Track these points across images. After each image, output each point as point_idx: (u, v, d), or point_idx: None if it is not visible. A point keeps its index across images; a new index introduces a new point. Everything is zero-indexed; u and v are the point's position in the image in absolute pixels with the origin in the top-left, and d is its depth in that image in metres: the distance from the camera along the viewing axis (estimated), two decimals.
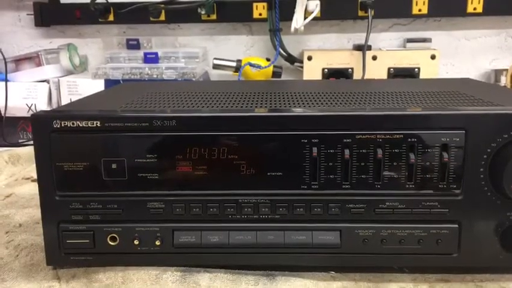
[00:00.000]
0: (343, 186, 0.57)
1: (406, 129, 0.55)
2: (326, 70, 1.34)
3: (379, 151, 0.55)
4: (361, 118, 0.56)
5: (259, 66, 1.35)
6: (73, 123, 0.57)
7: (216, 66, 1.39)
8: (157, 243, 0.59)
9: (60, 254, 0.60)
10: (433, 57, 1.32)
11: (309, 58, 1.35)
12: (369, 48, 1.34)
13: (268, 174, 0.57)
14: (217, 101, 0.66)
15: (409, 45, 1.39)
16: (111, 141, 0.57)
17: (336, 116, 0.56)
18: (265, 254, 0.59)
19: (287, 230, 0.58)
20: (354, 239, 0.58)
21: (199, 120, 0.57)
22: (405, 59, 1.32)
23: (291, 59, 1.42)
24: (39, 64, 1.38)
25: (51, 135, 0.57)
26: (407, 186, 0.56)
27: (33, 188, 0.94)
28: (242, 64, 1.36)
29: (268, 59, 1.40)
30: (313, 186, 0.57)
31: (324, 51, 1.42)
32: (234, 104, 0.64)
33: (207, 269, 0.60)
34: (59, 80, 1.34)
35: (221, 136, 0.57)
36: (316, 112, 0.57)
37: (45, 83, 1.34)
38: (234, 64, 1.37)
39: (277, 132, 0.56)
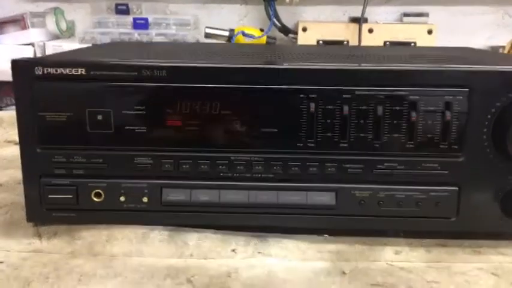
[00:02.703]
0: (341, 145, 0.54)
1: (409, 85, 0.53)
2: (321, 42, 1.31)
3: (380, 108, 0.53)
4: (362, 72, 0.53)
5: (252, 36, 1.31)
6: (56, 70, 0.53)
7: (208, 35, 1.35)
8: (145, 200, 0.56)
9: (41, 210, 0.57)
10: (429, 31, 1.30)
11: (304, 29, 1.32)
12: (365, 21, 1.32)
13: (263, 130, 0.55)
14: (211, 57, 0.63)
15: (405, 19, 1.37)
16: (97, 91, 0.54)
17: (336, 69, 0.53)
18: (257, 215, 0.57)
19: (281, 189, 0.56)
20: (350, 200, 0.56)
21: (191, 70, 0.54)
22: (402, 33, 1.30)
23: (285, 30, 1.39)
24: (24, 27, 1.34)
25: (32, 83, 0.53)
26: (407, 146, 0.54)
27: (15, 151, 0.90)
28: (235, 33, 1.32)
29: (261, 30, 1.36)
30: (309, 145, 0.54)
31: (319, 22, 1.39)
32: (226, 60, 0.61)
33: (196, 229, 0.58)
34: (44, 44, 1.30)
35: (214, 89, 0.54)
36: (315, 65, 0.54)
37: (30, 46, 1.29)
38: (226, 33, 1.34)
39: (273, 86, 0.54)
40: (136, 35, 1.28)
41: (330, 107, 0.53)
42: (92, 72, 0.53)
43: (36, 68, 0.53)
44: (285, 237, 0.58)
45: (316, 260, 0.54)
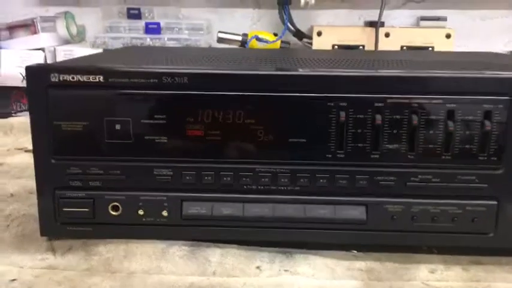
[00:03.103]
0: (372, 156, 0.51)
1: (446, 93, 0.50)
2: (336, 47, 1.28)
3: (415, 117, 0.50)
4: (395, 80, 0.50)
5: (266, 41, 1.29)
6: (73, 78, 0.51)
7: (220, 40, 1.32)
8: (164, 214, 0.54)
9: (55, 223, 0.54)
10: (448, 36, 1.26)
11: (319, 34, 1.29)
12: (382, 25, 1.28)
13: (290, 141, 0.52)
14: (232, 63, 0.60)
15: (422, 23, 1.33)
16: (115, 99, 0.51)
17: (367, 76, 0.50)
18: (282, 229, 0.54)
19: (308, 203, 0.53)
20: (382, 215, 0.53)
21: (214, 77, 0.51)
22: (419, 37, 1.26)
23: (299, 34, 1.36)
24: (34, 32, 1.32)
25: (48, 90, 0.51)
26: (443, 157, 0.51)
27: (26, 159, 0.88)
28: (248, 38, 1.29)
29: (275, 34, 1.33)
30: (338, 156, 0.51)
31: (334, 27, 1.35)
32: (250, 66, 0.58)
33: (218, 244, 0.55)
34: (55, 49, 1.27)
35: (238, 97, 0.51)
36: (345, 72, 0.51)
37: (40, 52, 1.27)
38: (239, 38, 1.31)
39: (301, 94, 0.51)
40: (148, 40, 1.25)
41: (361, 116, 0.50)
42: (110, 80, 0.50)
43: (52, 74, 0.50)
44: (312, 253, 0.55)
45: (347, 279, 0.51)
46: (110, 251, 0.54)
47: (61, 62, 0.60)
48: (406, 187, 0.52)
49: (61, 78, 0.51)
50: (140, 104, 0.51)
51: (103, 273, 0.51)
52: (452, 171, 0.51)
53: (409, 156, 0.51)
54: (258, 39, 1.28)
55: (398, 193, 0.52)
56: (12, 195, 0.71)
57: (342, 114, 0.50)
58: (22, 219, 0.61)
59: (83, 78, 0.50)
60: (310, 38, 1.33)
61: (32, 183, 0.55)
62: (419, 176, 0.52)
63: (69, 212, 0.53)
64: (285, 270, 0.52)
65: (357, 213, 0.53)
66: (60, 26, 1.35)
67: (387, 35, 1.27)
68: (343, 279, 0.51)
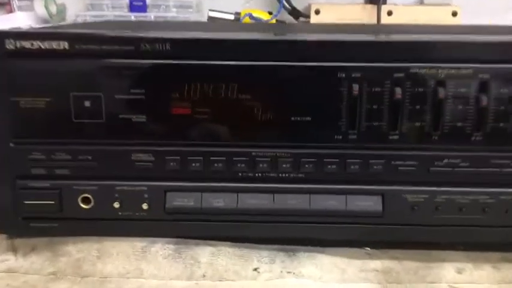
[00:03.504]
0: (390, 137, 0.43)
1: (477, 61, 0.42)
2: None
3: (441, 90, 0.42)
4: (419, 45, 0.42)
5: (260, 20, 1.20)
6: (32, 44, 0.42)
7: (211, 19, 1.23)
8: (144, 206, 0.46)
9: (16, 218, 0.46)
10: (454, 14, 1.18)
11: (317, 12, 1.21)
12: (384, 2, 1.20)
13: (292, 119, 0.44)
14: (224, 31, 0.52)
15: (427, 0, 1.25)
16: (84, 70, 0.43)
17: (386, 42, 0.42)
18: (284, 224, 0.46)
19: (314, 192, 0.45)
20: (401, 205, 0.45)
21: (202, 44, 0.43)
22: (423, 15, 1.18)
23: (295, 13, 1.27)
24: (10, 11, 1.23)
25: (3, 60, 0.42)
26: (473, 138, 0.43)
27: None
28: (241, 16, 1.21)
29: (270, 13, 1.25)
30: (350, 136, 0.44)
31: (333, 4, 1.27)
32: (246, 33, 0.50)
33: (208, 242, 0.47)
34: None
35: (231, 67, 0.43)
36: (359, 37, 0.43)
37: None
38: (232, 17, 1.22)
39: (306, 63, 0.43)
40: (133, 18, 1.16)
41: (377, 88, 0.42)
42: (77, 47, 0.42)
43: (7, 40, 0.42)
44: (318, 251, 0.47)
45: (360, 282, 0.43)
46: (80, 250, 0.46)
47: (20, 28, 0.52)
48: (429, 173, 0.44)
49: (18, 45, 0.42)
50: (113, 77, 0.43)
51: (72, 278, 0.43)
52: (484, 154, 0.44)
53: (433, 136, 0.43)
54: (252, 17, 1.20)
55: (419, 180, 0.45)
56: None
57: (355, 87, 0.42)
58: None
59: (45, 45, 0.42)
60: (308, 16, 1.25)
61: None
62: (445, 160, 0.44)
63: (31, 205, 0.45)
64: (288, 272, 0.44)
65: (371, 204, 0.45)
66: (38, 5, 1.25)
67: (390, 13, 1.19)
68: (356, 282, 0.43)
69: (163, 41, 0.42)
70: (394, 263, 0.46)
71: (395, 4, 1.26)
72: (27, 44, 0.42)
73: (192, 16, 1.19)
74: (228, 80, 0.43)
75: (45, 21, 1.27)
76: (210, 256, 0.45)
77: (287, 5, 1.26)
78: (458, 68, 0.42)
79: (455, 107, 0.42)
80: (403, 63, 0.42)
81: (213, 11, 1.24)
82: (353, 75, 0.42)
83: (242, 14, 1.21)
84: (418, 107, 0.43)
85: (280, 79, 0.43)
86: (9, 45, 0.42)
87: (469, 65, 0.42)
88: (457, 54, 0.42)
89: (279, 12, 1.22)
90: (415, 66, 0.42)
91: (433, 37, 0.43)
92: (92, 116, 0.43)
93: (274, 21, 1.23)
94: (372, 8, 1.20)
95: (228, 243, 0.47)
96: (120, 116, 0.44)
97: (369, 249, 0.48)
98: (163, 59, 0.43)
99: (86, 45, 0.42)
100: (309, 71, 0.43)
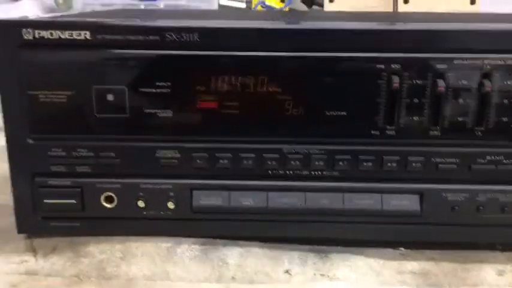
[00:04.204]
0: (431, 133, 0.41)
1: None
2: None
3: (487, 83, 0.39)
4: (463, 35, 0.39)
5: (272, 8, 1.18)
6: (51, 34, 0.40)
7: (222, 7, 1.21)
8: (170, 205, 0.44)
9: (36, 218, 0.44)
10: (472, 2, 1.16)
11: (331, 0, 1.18)
12: None
13: (327, 114, 0.41)
14: (250, 19, 0.49)
15: None
16: (106, 62, 0.41)
17: (428, 31, 0.40)
18: (316, 223, 0.44)
19: (348, 191, 0.43)
20: (440, 205, 0.43)
21: (232, 33, 0.40)
22: (441, 4, 1.15)
23: (309, 1, 1.25)
24: None
25: (20, 52, 0.40)
26: None
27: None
28: (253, 5, 1.19)
29: (282, 1, 1.22)
30: (388, 132, 0.41)
31: None
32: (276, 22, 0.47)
33: (236, 242, 0.45)
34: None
35: (261, 58, 0.40)
36: (398, 25, 0.40)
37: None
38: (243, 5, 1.21)
39: (342, 54, 0.40)
40: (143, 7, 1.14)
41: (418, 81, 0.40)
42: (99, 36, 0.40)
43: (25, 30, 0.40)
44: (351, 251, 0.45)
45: (398, 285, 0.41)
46: (103, 251, 0.44)
47: (38, 17, 0.49)
48: (470, 171, 0.42)
49: (36, 35, 0.40)
50: (138, 68, 0.41)
51: (96, 280, 0.41)
52: None
53: (476, 132, 0.41)
54: (264, 5, 1.17)
55: (461, 178, 0.43)
56: None
57: (395, 79, 0.40)
58: None
59: (65, 34, 0.40)
60: (321, 5, 1.22)
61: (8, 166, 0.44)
62: (488, 157, 0.42)
63: (51, 204, 0.43)
64: (321, 275, 0.42)
65: (409, 203, 0.43)
66: None
67: (406, 1, 1.17)
68: (394, 285, 0.41)
69: (191, 30, 0.40)
70: (430, 265, 0.43)
71: None
72: (46, 34, 0.40)
73: (202, 5, 1.17)
74: (257, 72, 0.41)
75: (52, 9, 1.25)
76: (238, 257, 0.43)
77: None
78: (505, 59, 0.39)
79: (501, 100, 0.40)
80: (447, 54, 0.39)
81: None
82: (392, 66, 0.40)
83: (254, 3, 1.18)
84: (461, 101, 0.40)
85: (313, 71, 0.40)
86: (27, 35, 0.40)
87: None
88: (504, 43, 0.39)
89: (291, 0, 1.19)
90: (458, 57, 0.39)
91: (478, 26, 0.40)
92: (115, 111, 0.41)
93: (287, 9, 1.20)
94: None
95: (257, 243, 0.45)
96: (145, 111, 0.41)
97: (403, 249, 0.46)
98: (190, 50, 0.40)
99: (109, 35, 0.40)
100: (345, 62, 0.40)
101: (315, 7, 1.25)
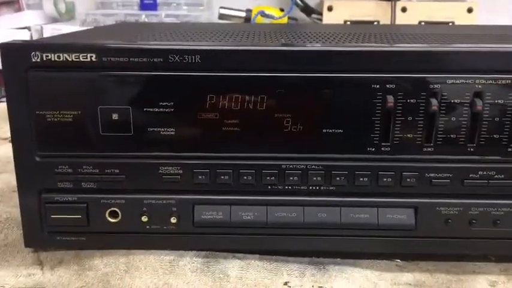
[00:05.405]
0: (425, 149, 0.42)
1: None
2: (348, 23, 1.18)
3: (478, 102, 0.41)
4: (455, 55, 0.41)
5: (272, 17, 1.19)
6: (59, 57, 0.41)
7: (222, 16, 1.22)
8: (173, 220, 0.45)
9: (42, 233, 0.46)
10: (469, 10, 1.17)
11: (329, 8, 1.19)
12: None
13: (324, 131, 0.43)
14: (249, 39, 0.51)
15: None
16: (112, 83, 0.42)
17: (422, 52, 0.41)
18: (314, 237, 0.45)
19: (345, 205, 0.45)
20: (434, 218, 0.44)
21: (232, 55, 0.42)
22: (439, 12, 1.17)
23: (308, 9, 1.26)
24: (19, 9, 1.22)
25: (29, 73, 0.41)
26: (509, 149, 0.42)
27: (10, 150, 0.79)
28: (253, 14, 1.19)
29: (282, 10, 1.23)
30: (383, 149, 0.43)
31: (346, 0, 1.25)
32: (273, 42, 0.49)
33: (237, 255, 0.46)
34: (42, 28, 1.17)
35: (260, 78, 0.42)
36: (392, 47, 0.42)
37: (26, 31, 1.17)
38: (243, 14, 1.21)
39: (339, 74, 0.42)
40: (144, 17, 1.15)
41: (412, 100, 0.41)
42: (105, 59, 0.41)
43: (33, 53, 0.41)
44: (348, 263, 0.46)
45: None
46: (107, 264, 0.45)
47: (44, 39, 0.51)
48: (463, 186, 0.43)
49: (44, 58, 0.41)
50: (142, 89, 0.42)
51: None
52: None
53: (468, 148, 0.42)
54: (264, 15, 1.18)
55: (454, 193, 0.44)
56: None
57: (390, 98, 0.41)
58: (4, 225, 0.52)
59: (71, 57, 0.41)
60: (320, 13, 1.23)
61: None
62: (480, 172, 0.43)
63: (58, 219, 0.45)
64: (320, 287, 0.43)
65: (404, 217, 0.44)
66: (48, 3, 1.24)
67: (404, 9, 1.18)
68: None
69: (193, 52, 0.41)
70: (425, 276, 0.45)
71: (410, 0, 1.24)
72: (53, 57, 0.41)
73: (203, 14, 1.17)
74: (257, 91, 0.42)
75: (54, 19, 1.27)
76: (239, 270, 0.45)
77: (299, 2, 1.25)
78: (497, 79, 0.41)
79: (492, 118, 0.41)
80: (440, 74, 0.41)
81: (224, 8, 1.22)
82: (387, 86, 0.41)
83: (254, 12, 1.19)
84: (453, 118, 0.41)
85: (311, 90, 0.42)
86: (35, 57, 0.41)
87: (508, 75, 0.41)
88: (496, 63, 0.41)
89: (291, 9, 1.20)
90: (451, 77, 0.41)
91: (472, 47, 0.41)
92: (120, 129, 0.43)
93: (286, 18, 1.21)
94: (386, 5, 1.18)
95: (257, 256, 0.47)
96: (149, 129, 0.43)
97: (399, 261, 0.47)
98: (192, 71, 0.42)
99: (114, 57, 0.41)
100: (342, 82, 0.42)
101: (314, 16, 1.27)
